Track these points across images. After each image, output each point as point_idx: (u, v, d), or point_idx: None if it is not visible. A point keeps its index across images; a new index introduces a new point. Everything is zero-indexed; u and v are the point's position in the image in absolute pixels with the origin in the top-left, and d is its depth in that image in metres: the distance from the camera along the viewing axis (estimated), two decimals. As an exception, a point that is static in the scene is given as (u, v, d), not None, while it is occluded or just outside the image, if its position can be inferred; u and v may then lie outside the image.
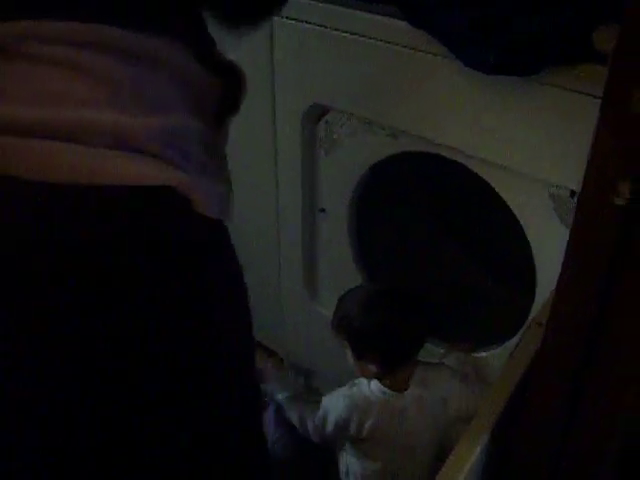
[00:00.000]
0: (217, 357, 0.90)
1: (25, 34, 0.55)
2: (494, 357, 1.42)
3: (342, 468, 1.44)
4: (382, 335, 1.27)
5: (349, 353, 1.30)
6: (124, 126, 0.58)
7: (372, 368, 1.28)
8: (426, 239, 1.74)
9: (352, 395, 1.33)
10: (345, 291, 1.37)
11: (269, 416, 1.52)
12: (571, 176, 1.08)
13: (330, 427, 1.34)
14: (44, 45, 0.56)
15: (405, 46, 1.18)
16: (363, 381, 1.34)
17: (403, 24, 1.15)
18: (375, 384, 1.31)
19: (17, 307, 0.67)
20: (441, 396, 1.31)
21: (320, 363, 1.79)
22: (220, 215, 0.72)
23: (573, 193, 1.11)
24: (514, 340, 1.37)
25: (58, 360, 0.72)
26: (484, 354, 1.45)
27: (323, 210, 1.58)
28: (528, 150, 1.13)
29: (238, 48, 1.44)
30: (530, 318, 1.30)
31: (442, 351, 1.46)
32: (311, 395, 1.47)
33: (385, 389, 1.30)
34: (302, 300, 1.74)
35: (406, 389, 1.30)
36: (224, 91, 0.71)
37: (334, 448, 1.43)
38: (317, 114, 1.44)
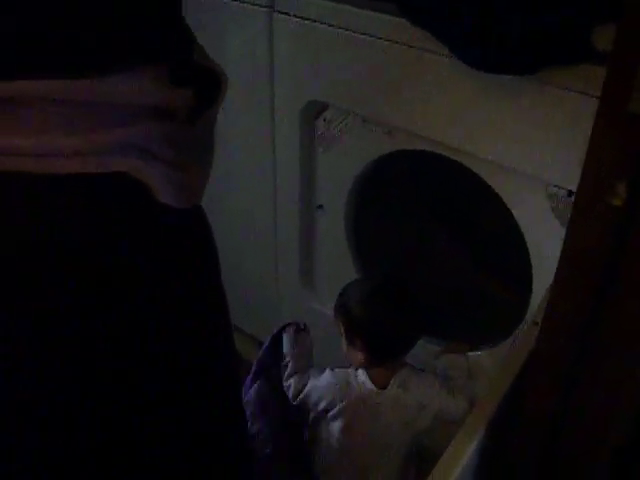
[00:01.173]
0: (216, 355, 0.90)
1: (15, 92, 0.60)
2: (490, 356, 1.42)
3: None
4: (373, 327, 1.31)
5: (343, 339, 1.34)
6: (76, 144, 0.63)
7: (360, 356, 1.32)
8: (423, 237, 1.75)
9: (336, 373, 1.38)
10: (346, 283, 1.40)
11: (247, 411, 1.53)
12: (569, 176, 1.08)
13: (306, 392, 1.38)
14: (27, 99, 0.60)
15: (404, 44, 1.18)
16: (351, 368, 1.38)
17: (402, 22, 1.15)
18: (360, 372, 1.35)
19: (17, 309, 0.67)
20: (419, 401, 1.33)
21: (317, 359, 1.79)
22: (178, 202, 0.72)
23: (571, 193, 1.11)
24: (510, 339, 1.37)
25: (58, 361, 0.72)
26: (480, 353, 1.45)
27: (321, 207, 1.58)
28: (526, 149, 1.13)
29: (238, 46, 1.45)
30: (527, 317, 1.30)
31: (438, 349, 1.46)
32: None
33: (367, 379, 1.34)
34: (299, 297, 1.74)
35: (386, 386, 1.33)
36: (199, 95, 0.71)
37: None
38: (315, 111, 1.44)
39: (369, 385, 1.33)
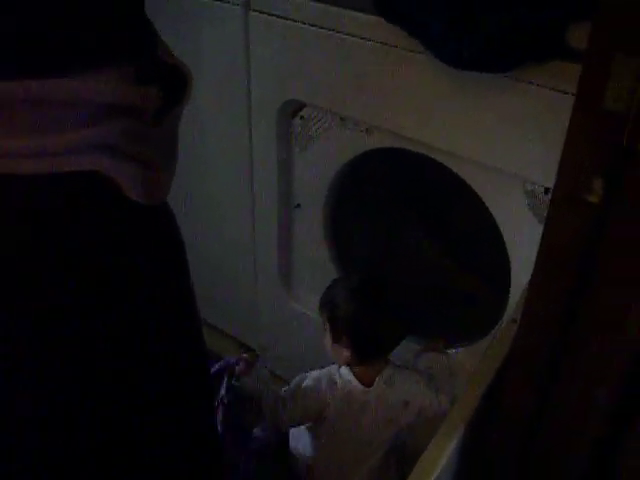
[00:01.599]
0: (187, 354, 0.89)
1: None
2: (470, 354, 1.43)
3: (293, 444, 1.46)
4: (360, 325, 1.30)
5: (327, 336, 1.33)
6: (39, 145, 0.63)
7: (345, 353, 1.31)
8: (401, 235, 1.75)
9: (320, 374, 1.36)
10: (329, 281, 1.39)
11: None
12: (546, 173, 1.08)
13: (298, 402, 1.35)
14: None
15: (380, 42, 1.18)
16: (335, 366, 1.37)
17: (378, 19, 1.14)
18: (345, 369, 1.34)
19: (17, 309, 0.67)
20: (404, 398, 1.33)
21: (296, 358, 1.78)
22: (146, 199, 0.71)
23: (548, 190, 1.12)
24: (489, 337, 1.38)
25: (58, 361, 0.72)
26: (459, 351, 1.45)
27: (298, 205, 1.57)
28: (503, 147, 1.13)
29: (214, 44, 1.44)
30: (505, 315, 1.31)
31: (417, 347, 1.47)
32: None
33: (352, 377, 1.33)
34: (278, 296, 1.74)
35: (371, 384, 1.33)
36: (164, 93, 0.71)
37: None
38: (292, 110, 1.44)
39: (355, 383, 1.33)
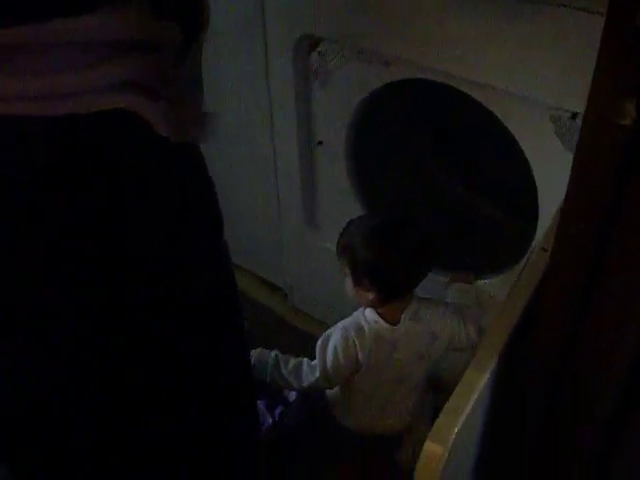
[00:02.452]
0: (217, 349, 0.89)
1: None
2: (497, 284, 1.42)
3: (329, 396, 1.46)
4: (381, 265, 1.27)
5: (348, 280, 1.31)
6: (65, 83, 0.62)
7: (369, 296, 1.29)
8: (426, 167, 1.73)
9: (346, 324, 1.34)
10: (349, 219, 1.36)
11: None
12: (572, 98, 1.06)
13: (329, 360, 1.33)
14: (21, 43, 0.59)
15: (397, -31, 1.15)
16: (359, 311, 1.35)
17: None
18: (369, 312, 1.32)
19: (14, 307, 0.67)
20: (432, 330, 1.32)
21: (322, 295, 1.79)
22: (174, 136, 0.70)
23: (574, 115, 1.09)
24: (517, 267, 1.37)
25: (56, 361, 0.72)
26: (487, 282, 1.45)
27: (320, 143, 1.56)
28: (527, 72, 1.11)
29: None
30: (534, 244, 1.29)
31: (445, 280, 1.46)
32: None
33: (378, 318, 1.31)
34: (302, 233, 1.74)
35: (398, 322, 1.31)
36: (183, 29, 0.69)
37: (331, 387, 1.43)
38: (309, 45, 1.41)
39: (382, 323, 1.31)
